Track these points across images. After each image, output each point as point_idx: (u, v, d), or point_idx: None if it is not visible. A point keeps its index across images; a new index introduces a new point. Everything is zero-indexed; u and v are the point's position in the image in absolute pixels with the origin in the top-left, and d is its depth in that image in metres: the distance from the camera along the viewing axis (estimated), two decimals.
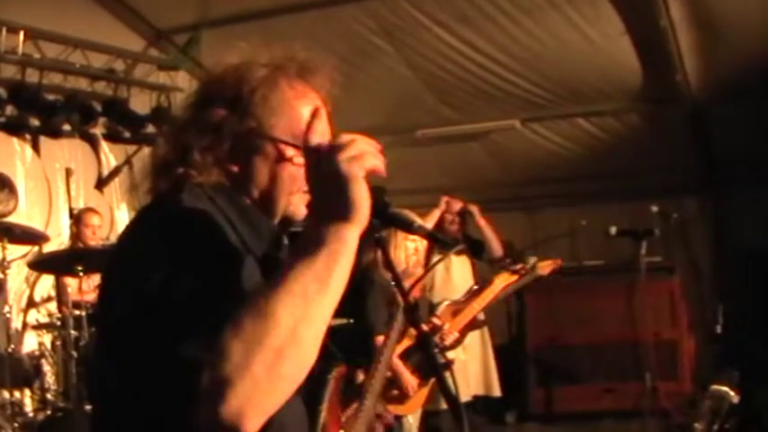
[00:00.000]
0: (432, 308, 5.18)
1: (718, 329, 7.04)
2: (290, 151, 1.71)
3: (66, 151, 7.15)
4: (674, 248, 8.24)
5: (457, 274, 6.78)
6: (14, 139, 6.82)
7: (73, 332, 5.73)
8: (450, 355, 5.06)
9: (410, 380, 4.77)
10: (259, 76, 1.73)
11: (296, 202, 1.73)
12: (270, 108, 1.72)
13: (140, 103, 7.85)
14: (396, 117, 8.93)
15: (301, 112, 1.73)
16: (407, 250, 4.82)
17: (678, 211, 7.65)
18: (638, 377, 6.35)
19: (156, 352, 1.43)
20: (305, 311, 1.39)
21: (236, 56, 1.76)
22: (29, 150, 6.93)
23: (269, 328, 1.35)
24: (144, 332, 1.46)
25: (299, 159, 1.69)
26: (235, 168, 1.70)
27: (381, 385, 3.11)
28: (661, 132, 8.15)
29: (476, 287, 5.55)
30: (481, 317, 5.34)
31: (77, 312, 5.79)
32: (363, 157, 1.49)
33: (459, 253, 6.52)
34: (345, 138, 1.52)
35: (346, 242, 1.45)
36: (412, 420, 5.06)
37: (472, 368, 6.61)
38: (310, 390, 1.72)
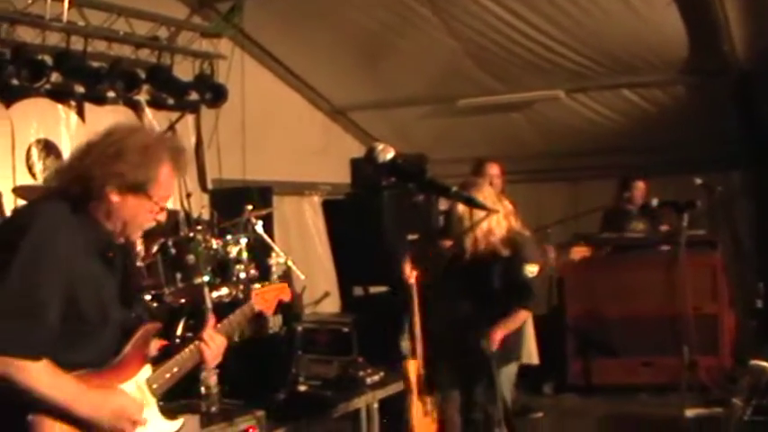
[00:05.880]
0: None
1: (759, 304, 6.97)
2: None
3: (110, 118, 7.16)
4: (718, 222, 8.15)
5: None
6: (60, 106, 6.89)
7: None
8: None
9: None
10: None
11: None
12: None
13: (183, 70, 7.89)
14: (438, 86, 8.90)
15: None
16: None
17: (723, 185, 7.54)
18: (677, 351, 6.31)
19: None
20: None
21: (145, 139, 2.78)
22: (74, 117, 7.00)
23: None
24: None
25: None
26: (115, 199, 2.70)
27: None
28: (707, 104, 8.03)
29: None
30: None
31: None
32: None
33: None
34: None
35: None
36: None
37: None
38: (127, 332, 2.82)
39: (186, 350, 3.02)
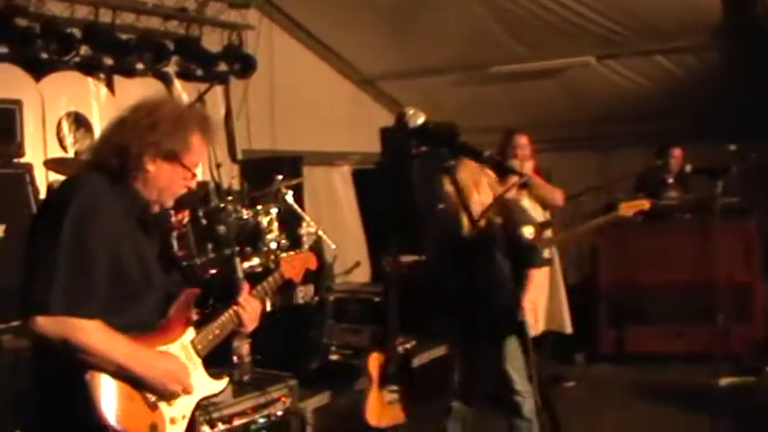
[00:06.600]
0: None
1: None
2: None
3: (139, 90, 7.19)
4: (753, 190, 8.03)
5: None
6: (89, 79, 6.91)
7: None
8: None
9: None
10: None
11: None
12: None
13: (212, 42, 7.88)
14: (468, 53, 8.83)
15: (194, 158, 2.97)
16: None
17: (758, 152, 7.42)
18: (710, 320, 6.25)
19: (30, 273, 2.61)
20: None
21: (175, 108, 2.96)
22: (103, 89, 7.02)
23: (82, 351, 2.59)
24: (32, 256, 2.64)
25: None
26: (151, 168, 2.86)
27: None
28: (740, 70, 7.90)
29: None
30: (547, 255, 5.27)
31: None
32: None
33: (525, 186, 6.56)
34: None
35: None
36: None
37: (541, 306, 6.57)
38: (169, 296, 2.99)
39: (225, 314, 3.17)
